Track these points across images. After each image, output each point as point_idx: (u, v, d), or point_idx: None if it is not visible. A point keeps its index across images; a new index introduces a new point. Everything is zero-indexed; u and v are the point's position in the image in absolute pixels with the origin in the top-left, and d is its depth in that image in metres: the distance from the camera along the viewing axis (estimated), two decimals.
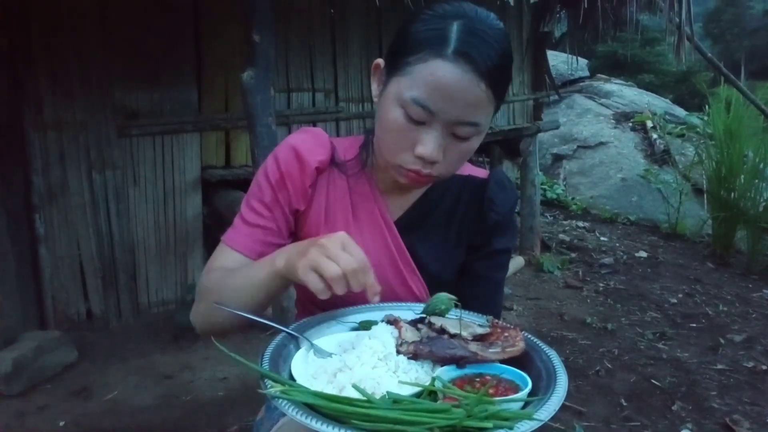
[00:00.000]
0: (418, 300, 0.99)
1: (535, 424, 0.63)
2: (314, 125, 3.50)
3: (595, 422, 2.39)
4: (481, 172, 1.07)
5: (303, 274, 0.77)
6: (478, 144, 0.91)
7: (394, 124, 0.87)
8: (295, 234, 1.04)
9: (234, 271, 0.94)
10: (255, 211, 0.99)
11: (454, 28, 0.83)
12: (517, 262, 4.27)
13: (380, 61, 0.94)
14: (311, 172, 0.99)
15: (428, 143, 0.86)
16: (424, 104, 0.84)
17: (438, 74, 0.82)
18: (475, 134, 0.88)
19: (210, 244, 3.34)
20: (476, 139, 0.89)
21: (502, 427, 0.60)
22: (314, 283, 0.76)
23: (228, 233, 1.01)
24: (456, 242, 1.03)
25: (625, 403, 2.52)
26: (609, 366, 2.87)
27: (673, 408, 2.49)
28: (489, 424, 0.60)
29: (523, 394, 0.70)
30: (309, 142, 1.01)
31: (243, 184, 3.16)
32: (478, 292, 1.03)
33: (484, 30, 0.84)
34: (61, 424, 2.30)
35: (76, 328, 2.97)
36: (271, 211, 0.99)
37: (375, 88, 0.95)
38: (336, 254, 0.77)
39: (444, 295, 0.87)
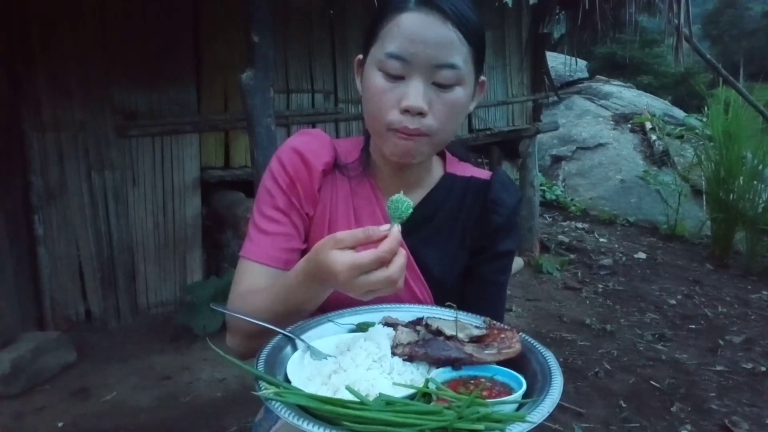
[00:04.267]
0: (420, 303, 0.99)
1: (528, 426, 0.62)
2: (314, 126, 3.50)
3: (594, 423, 2.38)
4: (484, 174, 1.06)
5: (364, 297, 0.76)
6: (464, 100, 0.91)
7: (376, 88, 0.89)
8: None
9: (259, 297, 0.90)
10: (271, 219, 0.97)
11: None
12: (516, 263, 4.27)
13: (359, 56, 0.96)
14: (318, 175, 0.98)
15: (410, 93, 0.86)
16: (397, 55, 0.86)
17: (404, 24, 0.86)
18: (456, 81, 0.88)
19: (209, 244, 3.34)
20: (461, 90, 0.89)
21: (493, 429, 0.60)
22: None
23: (246, 247, 0.98)
24: (459, 245, 1.02)
25: (624, 405, 2.52)
26: (608, 367, 2.87)
27: (672, 409, 2.49)
28: (480, 426, 0.60)
29: (516, 395, 0.70)
30: (312, 145, 1.00)
31: (242, 185, 3.16)
32: (481, 294, 1.03)
33: None
34: (60, 424, 2.29)
35: (75, 329, 2.97)
36: (288, 216, 0.98)
37: (358, 82, 0.97)
38: (374, 278, 0.73)
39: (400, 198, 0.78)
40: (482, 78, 0.97)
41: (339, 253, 0.74)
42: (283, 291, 0.87)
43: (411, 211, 0.77)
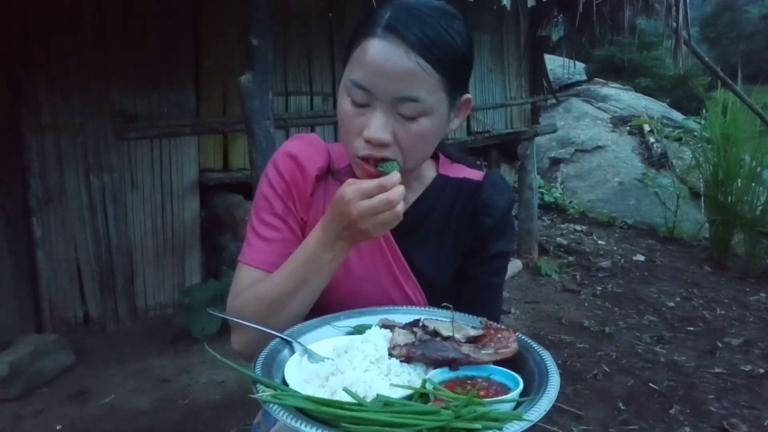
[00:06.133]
0: (413, 306, 0.99)
1: (525, 425, 0.63)
2: (312, 128, 3.51)
3: (593, 426, 2.39)
4: (477, 174, 1.05)
5: (371, 226, 0.82)
6: (434, 127, 0.89)
7: (344, 112, 0.89)
8: None
9: (265, 285, 0.91)
10: (270, 225, 0.98)
11: (387, 11, 0.86)
12: (514, 265, 4.27)
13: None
14: (311, 180, 0.99)
15: (372, 124, 0.85)
16: (360, 84, 0.85)
17: (369, 52, 0.84)
18: (421, 113, 0.86)
19: (208, 247, 3.34)
20: (426, 120, 0.87)
21: (491, 428, 0.61)
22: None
23: (245, 253, 0.98)
24: (452, 247, 1.02)
25: (623, 407, 2.52)
26: (607, 369, 2.87)
27: (670, 411, 2.49)
28: (478, 425, 0.60)
29: (513, 394, 0.70)
30: (306, 150, 1.00)
31: (241, 188, 3.16)
32: (477, 296, 1.02)
33: (416, 8, 0.86)
34: (58, 427, 2.29)
35: (73, 332, 2.97)
36: (285, 222, 0.98)
37: None
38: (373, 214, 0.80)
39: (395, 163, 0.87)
40: (466, 96, 0.95)
41: (348, 186, 0.82)
42: (303, 256, 0.88)
43: (399, 166, 0.86)
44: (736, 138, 4.63)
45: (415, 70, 0.83)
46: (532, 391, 0.72)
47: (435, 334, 0.81)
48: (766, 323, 3.51)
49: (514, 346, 0.80)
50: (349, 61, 0.89)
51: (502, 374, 0.76)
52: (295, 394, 0.68)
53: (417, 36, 0.83)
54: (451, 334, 0.81)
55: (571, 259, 4.66)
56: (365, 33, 0.86)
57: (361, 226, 0.81)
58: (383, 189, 0.80)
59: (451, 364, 0.77)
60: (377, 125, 0.85)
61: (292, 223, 0.98)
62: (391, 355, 0.78)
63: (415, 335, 0.82)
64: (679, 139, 7.00)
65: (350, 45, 0.89)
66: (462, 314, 0.91)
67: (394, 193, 0.80)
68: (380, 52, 0.83)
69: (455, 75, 0.88)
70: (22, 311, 2.82)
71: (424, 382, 0.73)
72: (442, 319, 0.87)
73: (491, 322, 0.88)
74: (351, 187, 0.81)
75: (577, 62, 5.98)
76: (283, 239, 0.97)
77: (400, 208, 0.81)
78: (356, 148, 0.88)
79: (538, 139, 5.01)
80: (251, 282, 0.95)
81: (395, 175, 0.82)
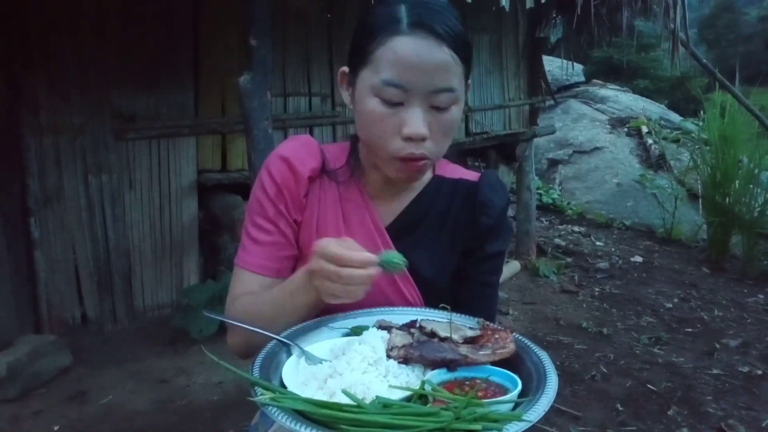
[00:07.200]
0: (411, 306, 0.99)
1: (524, 425, 0.63)
2: (311, 129, 3.51)
3: (591, 427, 2.39)
4: (473, 175, 1.06)
5: (330, 300, 0.83)
6: (460, 114, 0.92)
7: (374, 114, 0.88)
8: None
9: (260, 300, 0.95)
10: (261, 228, 0.99)
11: (403, 8, 0.87)
12: (513, 266, 4.27)
13: (344, 68, 0.96)
14: (304, 182, 0.99)
15: (412, 121, 0.86)
16: (396, 83, 0.85)
17: (399, 50, 0.85)
18: (453, 102, 0.89)
19: (206, 248, 3.34)
20: (456, 108, 0.90)
21: (491, 429, 0.61)
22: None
23: (240, 256, 1.01)
24: (449, 247, 1.02)
25: (620, 408, 2.53)
26: (605, 371, 2.87)
27: (668, 413, 2.49)
28: (478, 426, 0.60)
29: (512, 395, 0.70)
30: (299, 151, 1.01)
31: (239, 189, 3.16)
32: (474, 295, 1.03)
33: (432, 3, 0.88)
34: (56, 428, 2.29)
35: (71, 333, 2.96)
36: (276, 225, 0.99)
37: (346, 95, 0.97)
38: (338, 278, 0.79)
39: (394, 254, 0.83)
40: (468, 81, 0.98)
41: (331, 241, 0.81)
42: (285, 288, 0.90)
43: (401, 265, 0.82)
44: (734, 139, 4.64)
45: (448, 62, 0.86)
46: (530, 391, 0.72)
47: (432, 335, 0.82)
48: (764, 324, 3.52)
49: (511, 347, 0.80)
50: (368, 63, 0.88)
51: (500, 375, 0.76)
52: (294, 397, 0.68)
53: (443, 29, 0.85)
54: (448, 334, 0.81)
55: (569, 260, 4.67)
56: (387, 32, 0.85)
57: (315, 284, 0.82)
58: (350, 263, 0.78)
59: (449, 365, 0.77)
60: (418, 121, 0.86)
61: (283, 226, 0.99)
62: (389, 356, 0.78)
63: (413, 336, 0.82)
64: (677, 141, 7.02)
65: (366, 47, 0.88)
66: (459, 315, 0.91)
67: (349, 273, 0.78)
68: (413, 48, 0.84)
69: (469, 62, 0.92)
70: (20, 312, 2.82)
71: (423, 383, 0.73)
72: (439, 320, 0.87)
73: (488, 323, 0.88)
74: (323, 243, 0.80)
75: (575, 63, 6.00)
76: (275, 242, 0.99)
77: (357, 293, 0.80)
78: (396, 150, 0.89)
79: (536, 140, 5.01)
80: (246, 285, 0.98)
81: (369, 266, 0.79)
